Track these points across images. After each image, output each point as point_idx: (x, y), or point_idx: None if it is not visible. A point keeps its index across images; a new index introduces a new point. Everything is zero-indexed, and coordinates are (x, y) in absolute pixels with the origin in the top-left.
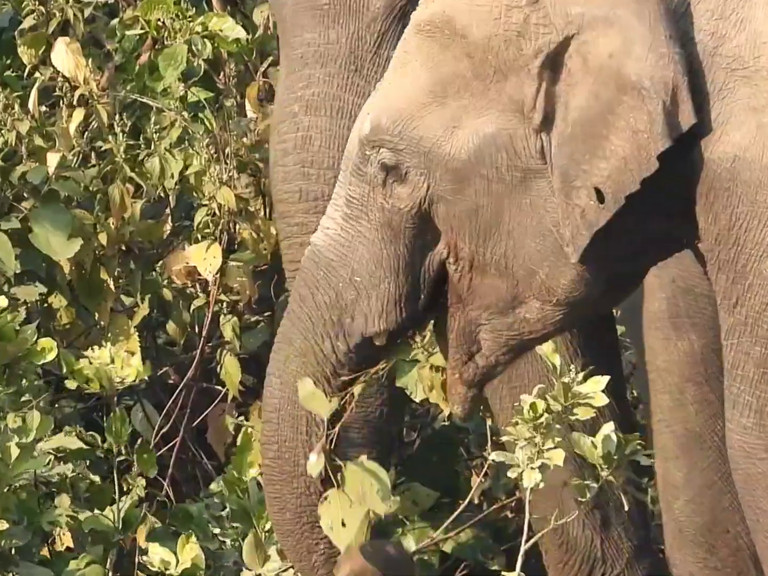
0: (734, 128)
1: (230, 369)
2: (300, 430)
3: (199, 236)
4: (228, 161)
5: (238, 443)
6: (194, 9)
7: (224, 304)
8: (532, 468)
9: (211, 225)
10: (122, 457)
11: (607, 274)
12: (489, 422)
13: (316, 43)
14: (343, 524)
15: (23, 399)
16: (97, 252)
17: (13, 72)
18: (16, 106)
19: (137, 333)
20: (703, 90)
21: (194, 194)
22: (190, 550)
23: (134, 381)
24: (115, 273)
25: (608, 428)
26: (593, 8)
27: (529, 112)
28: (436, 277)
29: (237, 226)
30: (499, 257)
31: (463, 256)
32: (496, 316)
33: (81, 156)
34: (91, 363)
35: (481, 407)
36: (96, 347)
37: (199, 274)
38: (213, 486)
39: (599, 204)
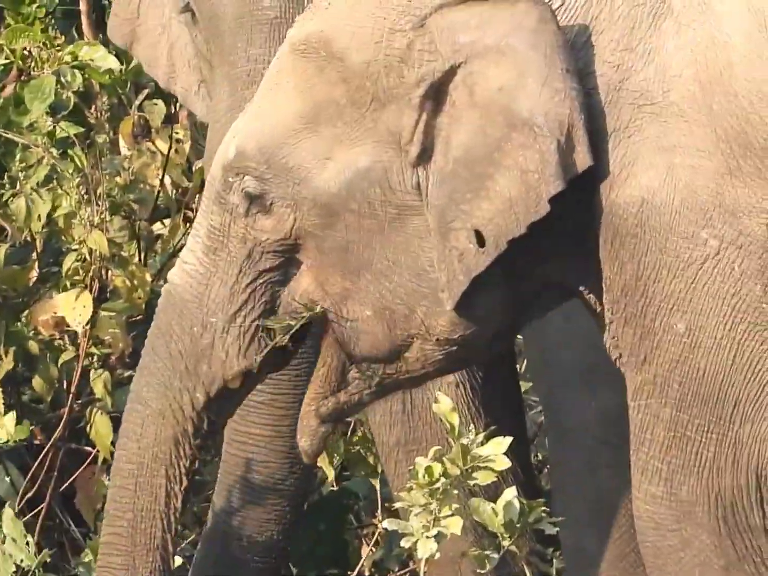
0: (642, 170)
1: (101, 429)
2: (159, 501)
3: (68, 283)
4: (100, 202)
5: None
6: (63, 37)
7: (95, 358)
8: (427, 537)
9: (81, 271)
10: None
11: (489, 320)
12: (380, 488)
13: (265, 60)
14: None
15: None
16: None
17: None
18: None
19: (0, 389)
20: (606, 128)
21: (63, 238)
22: None
23: (6, 442)
24: None
25: (510, 494)
26: (484, 36)
27: (406, 144)
28: (298, 313)
29: (109, 273)
30: (374, 295)
31: (335, 292)
32: (370, 355)
33: None
34: None
35: (369, 470)
36: None
37: (68, 325)
38: (82, 555)
39: (479, 248)
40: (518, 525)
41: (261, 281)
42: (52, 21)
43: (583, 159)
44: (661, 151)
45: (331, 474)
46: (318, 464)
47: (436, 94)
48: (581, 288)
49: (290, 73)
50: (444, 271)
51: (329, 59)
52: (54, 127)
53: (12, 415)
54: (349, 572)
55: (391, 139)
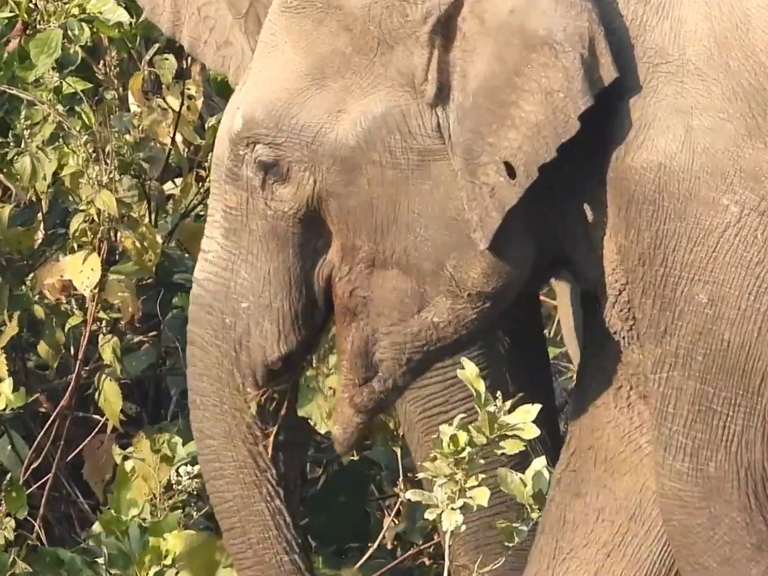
0: (659, 133)
1: (110, 396)
2: (268, 527)
3: (75, 245)
4: (108, 161)
5: (117, 479)
6: None
7: (103, 323)
8: (452, 509)
9: (88, 233)
10: None
11: (520, 266)
12: (402, 456)
13: None
14: None
15: None
16: None
17: None
18: None
19: (4, 355)
20: (620, 88)
21: (70, 198)
22: None
23: (3, 410)
24: None
25: (540, 464)
26: None
27: (420, 85)
28: (328, 288)
29: (118, 235)
30: (400, 253)
31: (361, 257)
32: (398, 326)
33: None
34: None
35: (393, 437)
36: None
37: (75, 289)
38: (91, 529)
39: (510, 180)
40: (547, 496)
41: (290, 257)
42: None
43: (608, 72)
44: (678, 113)
45: None
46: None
47: (445, 29)
48: (579, 257)
49: (285, 33)
50: (475, 210)
51: (326, 10)
52: (60, 82)
53: (9, 382)
54: (370, 545)
55: (405, 81)
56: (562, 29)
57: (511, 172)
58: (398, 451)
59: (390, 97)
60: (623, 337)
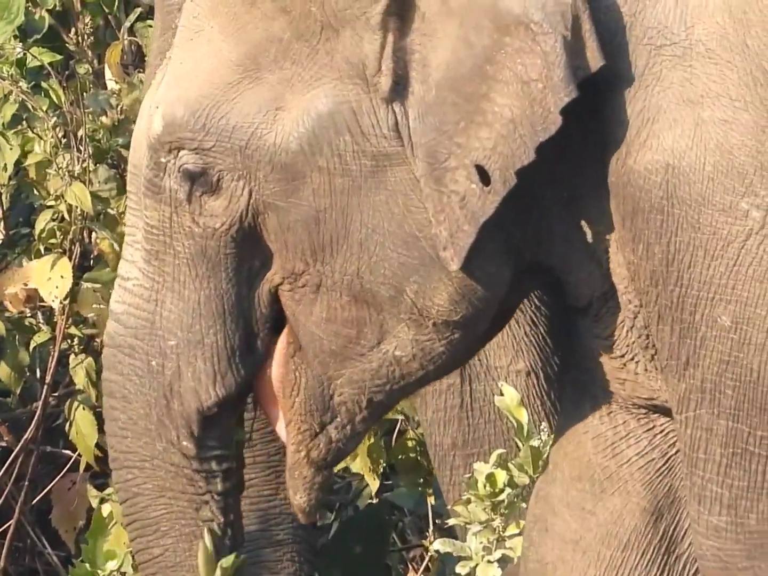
0: (665, 128)
1: (83, 427)
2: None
3: (42, 248)
4: (81, 148)
5: (92, 526)
6: None
7: (75, 340)
8: (488, 561)
9: (58, 233)
10: None
11: (493, 290)
12: (432, 500)
13: None
14: None
15: None
16: None
17: None
18: None
19: None
20: (617, 77)
21: (35, 192)
22: None
23: None
24: None
25: None
26: None
27: (373, 76)
28: (270, 314)
29: (93, 235)
30: (352, 276)
31: (305, 281)
32: (354, 362)
33: None
34: None
35: (418, 478)
36: None
37: (42, 300)
38: None
39: (483, 187)
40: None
41: (223, 282)
42: None
43: (594, 57)
44: (686, 103)
45: (375, 484)
46: (356, 471)
47: (400, 8)
48: (570, 271)
49: (211, 16)
50: (443, 223)
51: None
52: (24, 54)
53: None
54: None
55: (354, 72)
56: (540, 7)
57: (484, 177)
58: (427, 494)
59: (337, 92)
60: (645, 369)
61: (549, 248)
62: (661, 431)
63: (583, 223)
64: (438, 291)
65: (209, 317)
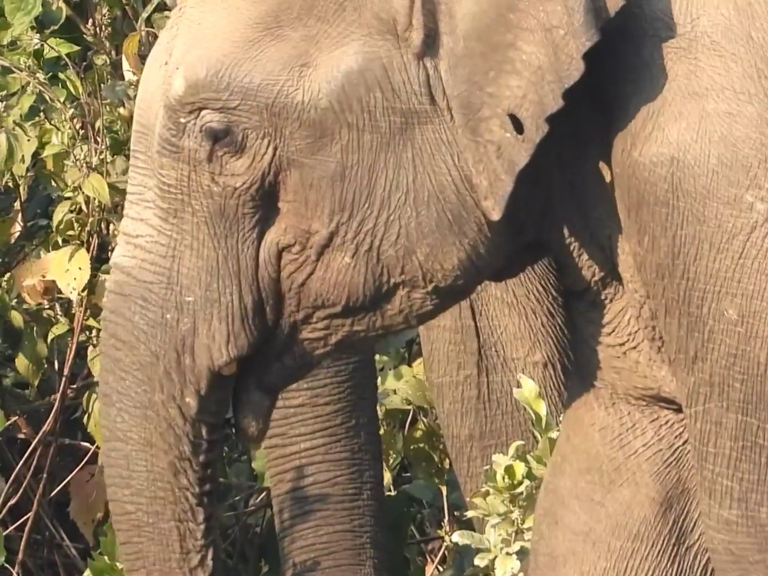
0: (670, 120)
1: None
2: (173, 548)
3: (60, 240)
4: (99, 139)
5: (110, 518)
6: None
7: (93, 332)
8: (507, 553)
9: (75, 225)
10: None
11: (497, 258)
12: (447, 492)
13: None
14: None
15: None
16: None
17: None
18: None
19: None
20: (621, 69)
21: (53, 183)
22: None
23: None
24: None
25: None
26: None
27: (404, 31)
28: (278, 276)
29: (110, 227)
30: (364, 236)
31: (313, 242)
32: (340, 315)
33: None
34: None
35: (437, 469)
36: None
37: (60, 292)
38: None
39: (517, 135)
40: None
41: (242, 241)
42: None
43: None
44: (691, 96)
45: (387, 476)
46: None
47: None
48: (570, 253)
49: None
50: (483, 173)
51: None
52: (42, 45)
53: None
54: None
55: (385, 28)
56: None
57: (517, 125)
58: (443, 486)
59: (367, 48)
60: (649, 359)
61: (551, 228)
62: (666, 422)
63: (587, 207)
64: (449, 255)
65: (226, 277)
